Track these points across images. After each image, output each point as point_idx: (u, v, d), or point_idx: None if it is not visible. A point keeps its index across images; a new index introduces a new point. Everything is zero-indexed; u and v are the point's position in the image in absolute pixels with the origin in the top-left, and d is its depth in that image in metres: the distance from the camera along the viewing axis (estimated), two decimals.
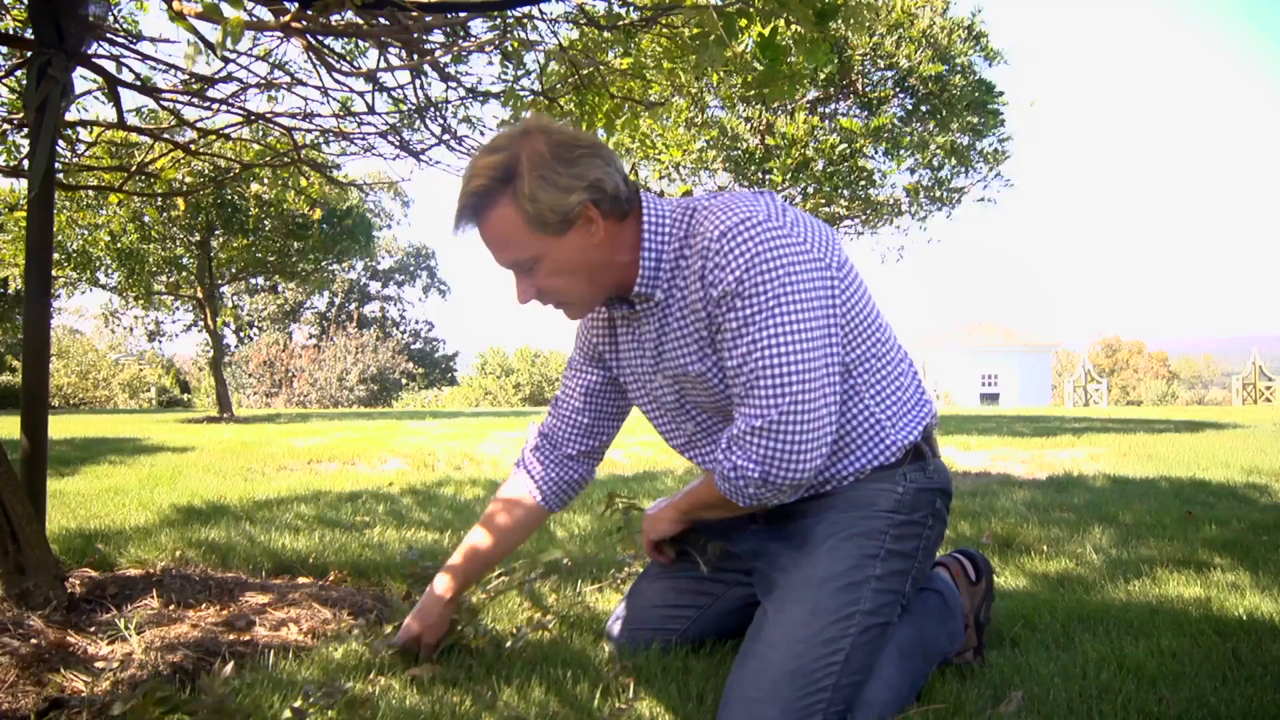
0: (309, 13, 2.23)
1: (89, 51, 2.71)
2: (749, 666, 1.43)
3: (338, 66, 3.11)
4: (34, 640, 1.77)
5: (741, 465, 1.47)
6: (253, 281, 24.65)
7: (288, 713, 1.36)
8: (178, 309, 26.24)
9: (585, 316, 1.69)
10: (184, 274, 14.11)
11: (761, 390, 1.42)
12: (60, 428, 9.64)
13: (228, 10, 2.00)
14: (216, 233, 13.07)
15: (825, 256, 1.48)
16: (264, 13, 2.65)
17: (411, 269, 41.37)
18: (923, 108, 10.57)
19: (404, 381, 31.00)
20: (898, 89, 10.67)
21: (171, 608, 2.06)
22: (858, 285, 1.56)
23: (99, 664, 1.68)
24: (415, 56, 3.04)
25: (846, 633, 1.44)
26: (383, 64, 3.13)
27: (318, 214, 12.96)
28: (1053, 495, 4.05)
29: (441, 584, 1.73)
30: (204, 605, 2.09)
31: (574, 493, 1.83)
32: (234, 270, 15.05)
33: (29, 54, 2.46)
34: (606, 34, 3.23)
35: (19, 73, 3.29)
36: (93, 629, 1.87)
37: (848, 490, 1.58)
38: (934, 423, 1.66)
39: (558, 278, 1.50)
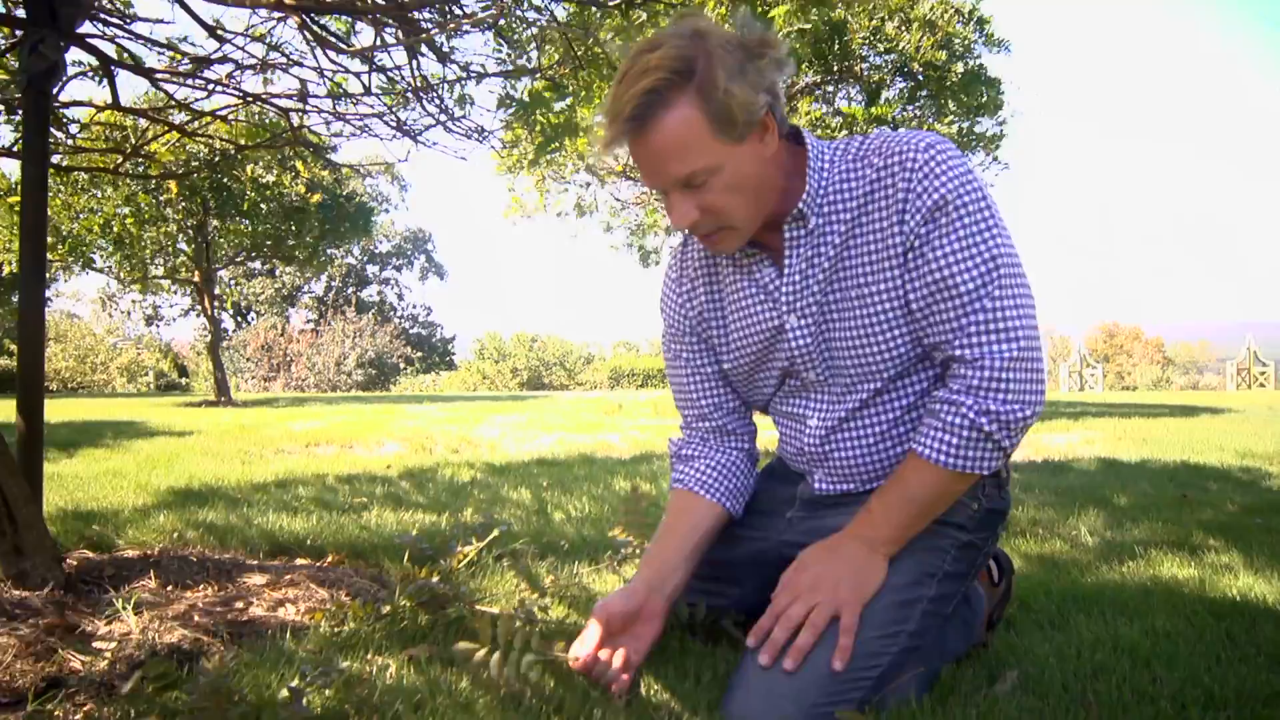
0: None
1: (82, 31, 2.69)
2: (782, 660, 1.36)
3: (334, 44, 3.08)
4: (32, 620, 1.76)
5: (1007, 409, 1.32)
6: (250, 265, 24.54)
7: (285, 691, 1.35)
8: (175, 293, 26.17)
9: (733, 251, 1.47)
10: (181, 258, 14.06)
11: (1008, 312, 1.32)
12: (58, 411, 9.63)
13: None
14: (213, 215, 13.01)
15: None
16: None
17: (409, 252, 41.27)
18: (921, 92, 10.52)
19: (402, 366, 30.99)
20: (897, 74, 10.61)
21: (169, 588, 2.05)
22: None
23: (97, 643, 1.68)
24: (411, 35, 3.01)
25: (889, 649, 1.38)
26: (378, 44, 3.11)
27: (316, 198, 12.91)
28: (1048, 478, 4.06)
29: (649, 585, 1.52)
30: (202, 586, 2.09)
31: (743, 477, 1.65)
32: (231, 254, 15.00)
33: (21, 34, 2.44)
34: (601, 10, 3.20)
35: (11, 54, 3.25)
36: (90, 609, 1.87)
37: None
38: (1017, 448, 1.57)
39: (731, 194, 1.35)
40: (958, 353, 1.36)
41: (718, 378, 1.67)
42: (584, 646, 1.45)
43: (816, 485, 1.62)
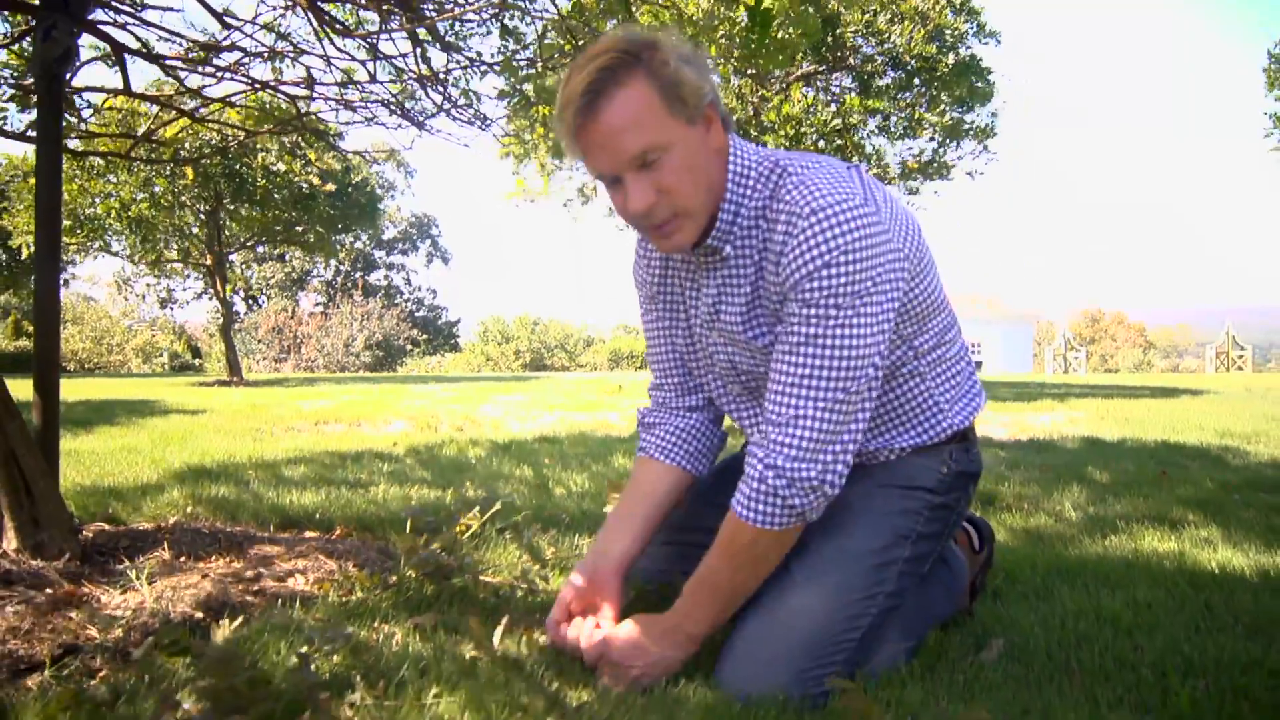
0: None
1: (94, 18, 2.66)
2: (768, 626, 1.38)
3: (340, 30, 3.05)
4: (48, 589, 1.76)
5: (791, 467, 1.30)
6: (261, 250, 24.46)
7: (294, 658, 1.35)
8: (189, 277, 26.09)
9: (687, 246, 1.40)
10: (194, 242, 14.01)
11: (818, 381, 1.29)
12: (75, 390, 9.62)
13: None
14: (226, 202, 12.95)
15: (904, 247, 1.36)
16: None
17: (414, 238, 41.14)
18: (915, 80, 10.45)
19: (408, 348, 30.97)
20: (889, 65, 10.54)
21: (182, 559, 2.05)
22: (930, 271, 1.45)
23: (112, 612, 1.68)
24: (415, 23, 2.97)
25: (868, 611, 1.40)
26: (384, 32, 3.07)
27: (329, 187, 12.84)
28: (1033, 456, 4.06)
29: (611, 560, 1.54)
30: (214, 557, 2.08)
31: (704, 440, 1.63)
32: (243, 239, 14.94)
33: (34, 20, 2.41)
34: (602, 4, 3.17)
35: (25, 40, 3.22)
36: (105, 579, 1.86)
37: (894, 463, 1.52)
38: (979, 412, 1.58)
39: (684, 175, 1.31)
40: (766, 411, 1.35)
41: (678, 337, 1.63)
42: (548, 630, 1.50)
43: None
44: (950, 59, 10.31)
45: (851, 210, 1.28)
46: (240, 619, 1.65)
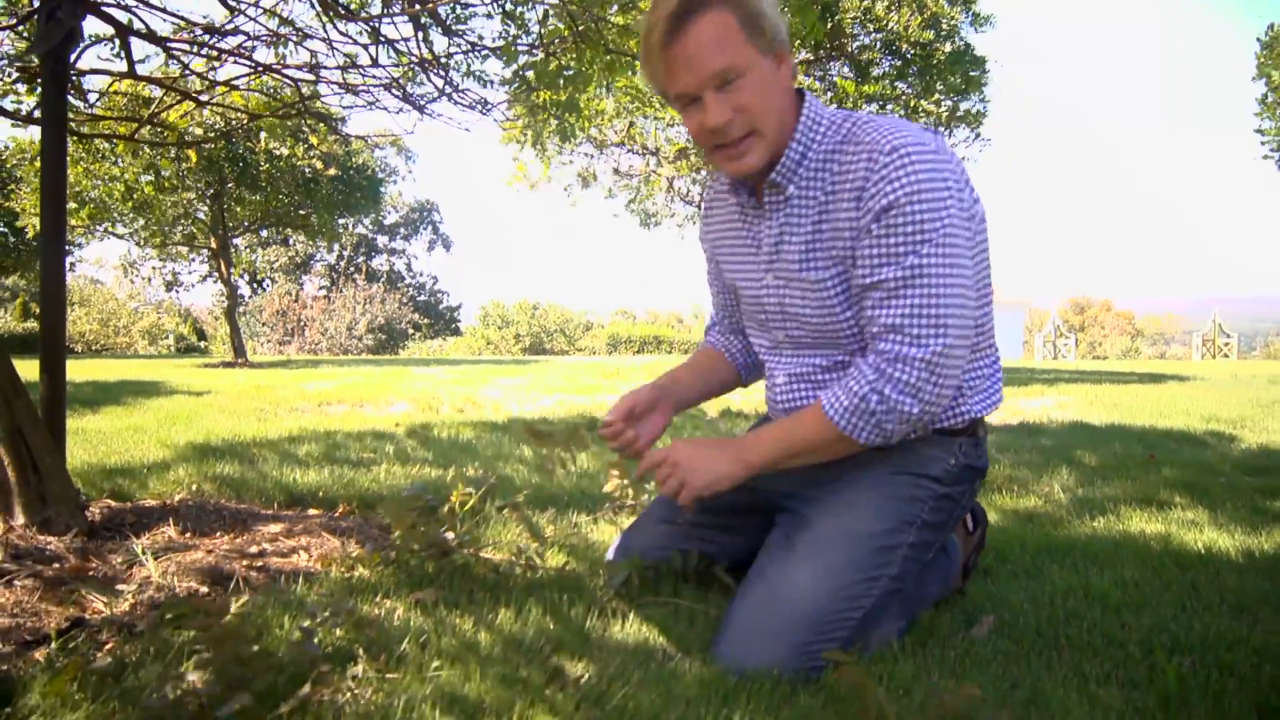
0: None
1: (99, 0, 2.62)
2: (771, 600, 1.38)
3: (342, 12, 3.02)
4: (56, 564, 1.76)
5: (896, 398, 1.36)
6: (265, 234, 24.34)
7: (297, 631, 1.35)
8: (194, 260, 25.98)
9: (756, 168, 1.44)
10: (199, 226, 13.93)
11: (927, 318, 1.33)
12: (82, 371, 9.60)
13: None
14: (229, 186, 12.87)
15: (971, 209, 1.41)
16: None
17: (416, 223, 40.96)
18: (910, 69, 10.38)
19: (410, 331, 30.91)
20: (885, 52, 10.47)
21: (187, 536, 2.05)
22: (985, 257, 1.48)
23: (118, 586, 1.67)
24: (418, 5, 2.94)
25: (870, 592, 1.40)
26: (386, 15, 3.04)
27: (333, 171, 12.77)
28: (1023, 439, 4.06)
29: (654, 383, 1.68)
30: (219, 534, 2.08)
31: (754, 356, 1.77)
32: (247, 223, 14.86)
33: (38, 2, 2.38)
34: None
35: (29, 22, 3.18)
36: (112, 555, 1.86)
37: (907, 448, 1.50)
38: (996, 407, 1.59)
39: (759, 97, 1.36)
40: (874, 343, 1.39)
41: (731, 297, 1.76)
42: (612, 424, 1.60)
43: None
44: (947, 47, 10.24)
45: (930, 154, 1.35)
46: (245, 594, 1.65)
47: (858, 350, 1.49)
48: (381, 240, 40.56)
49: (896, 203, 1.33)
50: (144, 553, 1.83)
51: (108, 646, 1.40)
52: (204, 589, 1.69)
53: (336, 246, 36.65)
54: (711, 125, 1.37)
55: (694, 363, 1.81)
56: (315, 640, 1.30)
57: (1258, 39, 12.97)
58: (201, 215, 13.53)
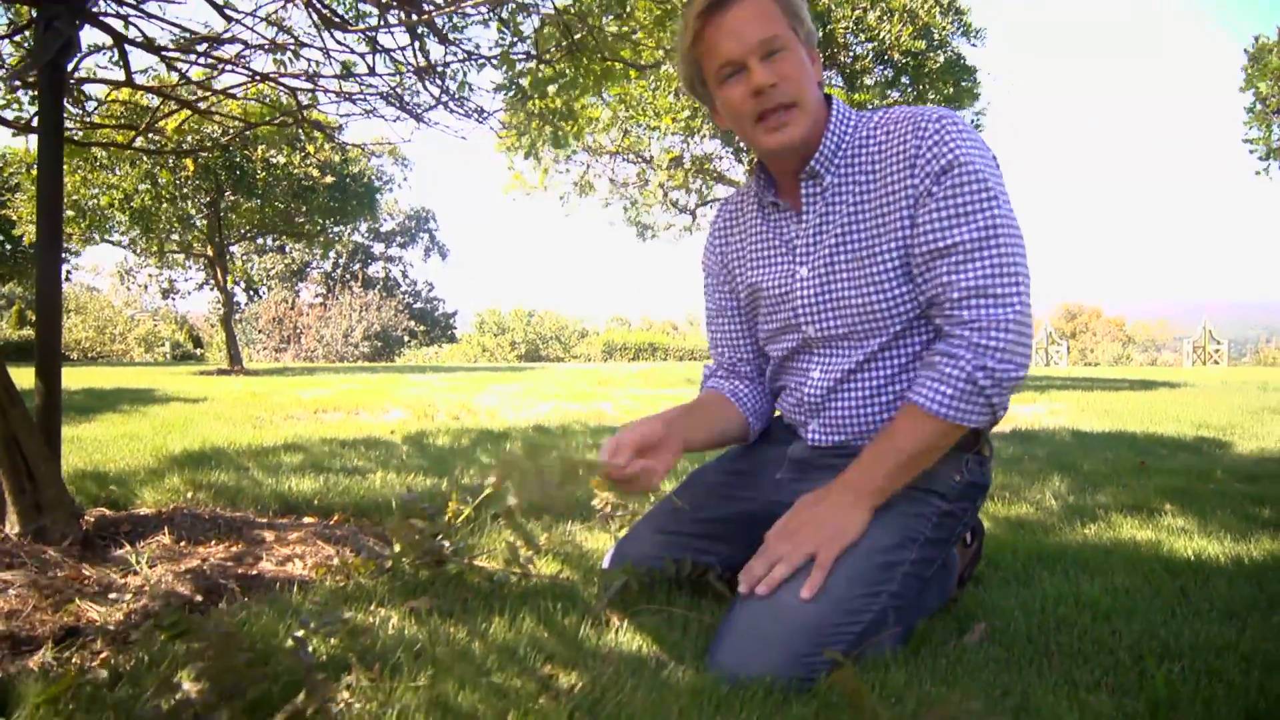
0: None
1: (96, 10, 2.63)
2: (770, 609, 1.37)
3: (339, 24, 3.02)
4: (50, 573, 1.75)
5: (1001, 368, 1.34)
6: (261, 241, 24.33)
7: (291, 640, 1.34)
8: (190, 268, 25.98)
9: (796, 142, 1.46)
10: (195, 234, 13.92)
11: (1007, 276, 1.34)
12: (78, 379, 9.57)
13: None
14: (226, 194, 12.87)
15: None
16: None
17: (412, 231, 40.98)
18: (902, 78, 10.43)
19: (406, 338, 30.90)
20: (877, 62, 10.52)
21: (182, 544, 2.04)
22: None
23: (113, 595, 1.67)
24: (414, 17, 2.95)
25: (870, 607, 1.38)
26: (382, 25, 3.05)
27: (328, 179, 12.78)
28: (1016, 447, 4.07)
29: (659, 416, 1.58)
30: (213, 542, 2.08)
31: (764, 405, 1.71)
32: (244, 231, 14.85)
33: (35, 12, 2.38)
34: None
35: (27, 30, 3.18)
36: (106, 563, 1.86)
37: None
38: (1001, 417, 1.58)
39: (801, 73, 1.43)
40: (956, 312, 1.39)
41: (739, 324, 1.74)
42: (619, 458, 1.46)
43: (810, 436, 1.63)
44: (940, 57, 10.30)
45: (964, 121, 1.41)
46: (239, 602, 1.65)
47: (902, 332, 1.49)
48: (378, 247, 40.57)
49: (956, 161, 1.36)
50: (139, 561, 1.82)
51: (102, 655, 1.39)
52: (199, 597, 1.69)
53: (332, 254, 36.62)
54: (757, 84, 1.40)
55: (700, 404, 1.72)
56: (309, 649, 1.30)
57: (1245, 50, 13.07)
58: (198, 223, 13.52)
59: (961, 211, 1.37)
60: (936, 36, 10.38)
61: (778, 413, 1.80)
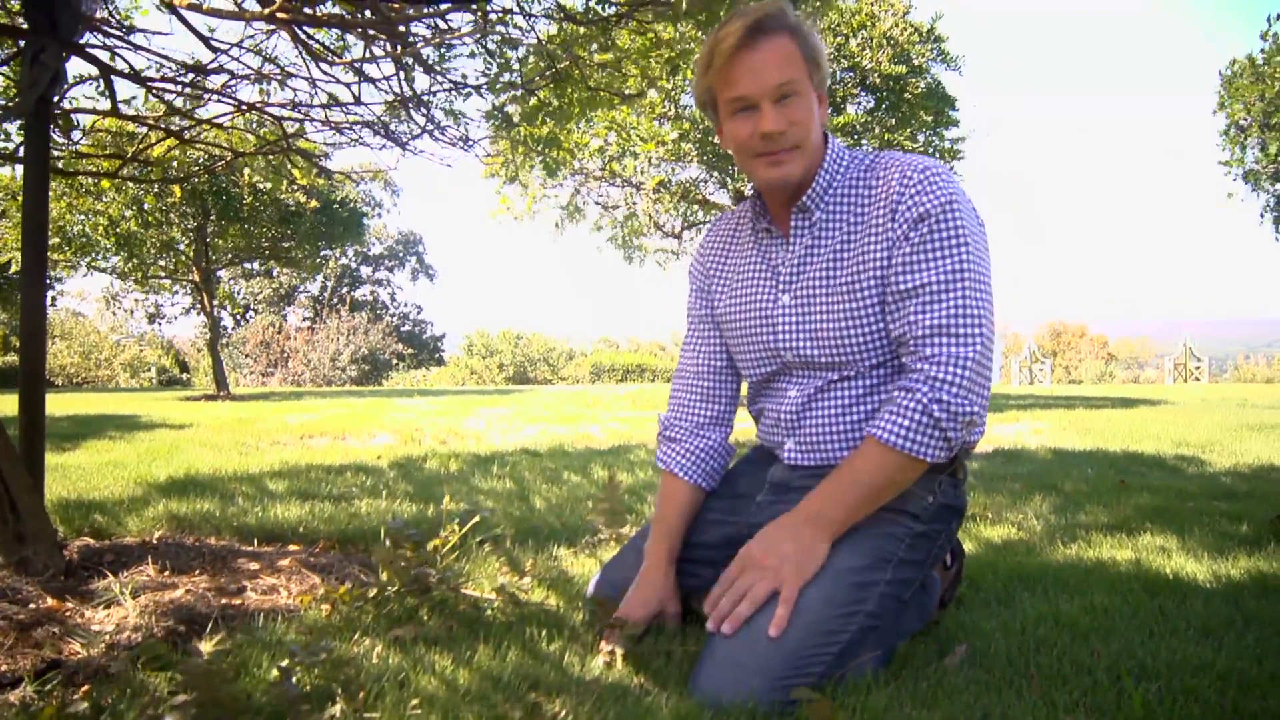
0: (293, 2, 2.18)
1: (82, 41, 2.64)
2: (748, 634, 1.38)
3: (325, 57, 3.05)
4: (32, 605, 1.74)
5: (957, 401, 1.40)
6: (248, 266, 24.26)
7: (275, 672, 1.34)
8: (177, 292, 25.83)
9: (792, 180, 1.54)
10: (181, 259, 13.87)
11: (970, 317, 1.42)
12: (62, 405, 9.49)
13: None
14: (213, 219, 12.84)
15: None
16: (252, 3, 2.59)
17: (400, 254, 40.93)
18: (883, 105, 10.56)
19: (394, 362, 30.77)
20: (859, 88, 10.64)
21: (166, 574, 2.03)
22: None
23: (95, 627, 1.66)
24: (400, 49, 2.98)
25: (847, 628, 1.40)
26: (368, 55, 3.08)
27: (313, 204, 12.77)
28: (1000, 466, 4.10)
29: (658, 562, 1.67)
30: (197, 571, 2.06)
31: (717, 459, 1.76)
32: (230, 255, 14.81)
33: (22, 43, 2.39)
34: (584, 29, 3.19)
35: (13, 62, 3.19)
36: (89, 594, 1.84)
37: None
38: (977, 440, 1.61)
39: (808, 116, 1.50)
40: (919, 348, 1.44)
41: (714, 337, 1.78)
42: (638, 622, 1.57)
43: (788, 456, 1.67)
44: (921, 84, 10.43)
45: (947, 172, 1.50)
46: (223, 633, 1.64)
47: (871, 367, 1.55)
48: (365, 271, 40.47)
49: (931, 211, 1.44)
50: (122, 592, 1.81)
51: (84, 689, 1.38)
52: (182, 629, 1.68)
53: (320, 278, 36.53)
54: (766, 130, 1.48)
55: (663, 516, 1.74)
56: (293, 680, 1.30)
57: (1219, 72, 13.31)
58: (184, 248, 13.47)
59: (932, 255, 1.45)
60: (916, 62, 10.52)
61: (757, 441, 1.83)
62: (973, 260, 1.44)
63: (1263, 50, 12.09)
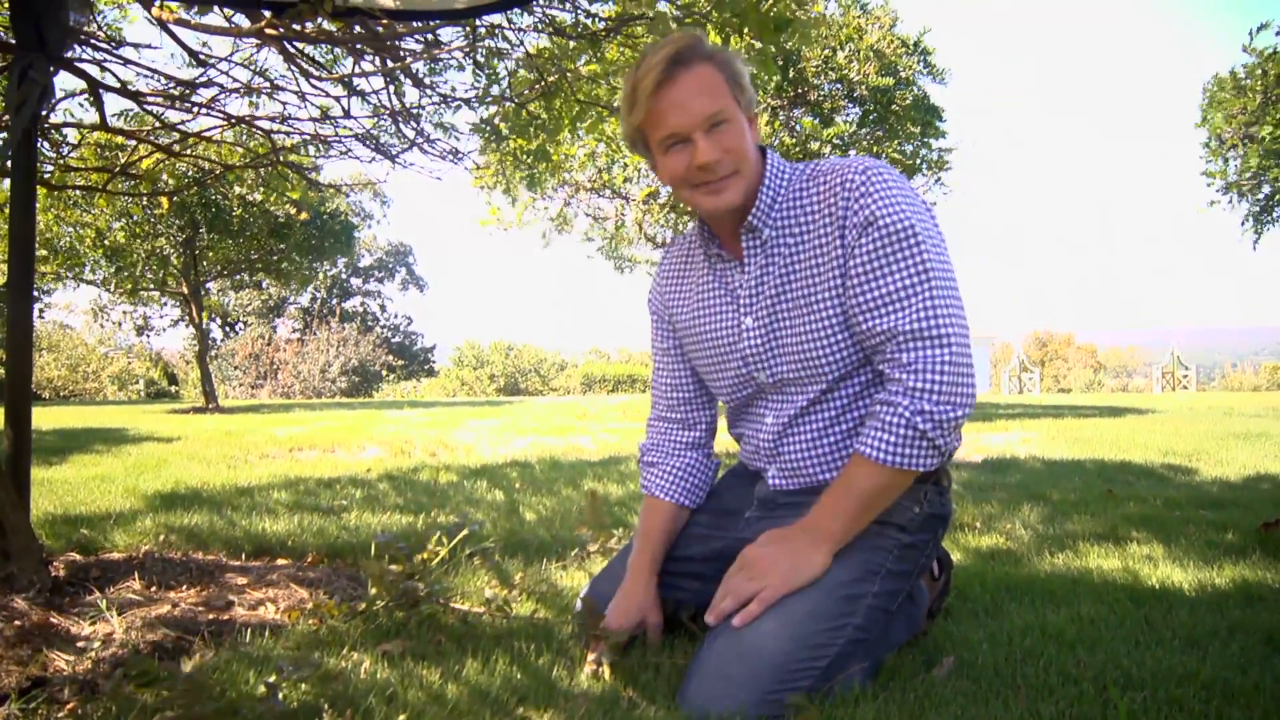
0: (283, 18, 2.18)
1: (71, 56, 2.64)
2: (736, 648, 1.39)
3: (314, 73, 3.06)
4: (17, 621, 1.72)
5: (941, 409, 1.38)
6: (238, 278, 24.22)
7: (262, 687, 1.34)
8: (165, 304, 25.74)
9: (734, 205, 1.51)
10: (170, 270, 13.82)
11: (942, 315, 1.39)
12: (49, 418, 9.43)
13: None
14: (202, 231, 12.81)
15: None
16: (242, 19, 2.59)
17: (390, 266, 40.90)
18: (870, 116, 10.63)
19: (384, 373, 30.68)
20: (847, 100, 10.71)
21: (153, 589, 2.02)
22: None
23: (81, 643, 1.65)
24: (389, 63, 2.99)
25: (835, 641, 1.40)
26: (357, 70, 3.09)
27: (304, 216, 12.75)
28: (989, 476, 4.11)
29: (639, 572, 1.67)
30: (184, 586, 2.05)
31: (698, 476, 1.76)
32: (220, 268, 14.78)
33: (10, 58, 2.39)
34: (573, 43, 3.21)
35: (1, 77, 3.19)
36: (76, 610, 1.83)
37: None
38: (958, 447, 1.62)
39: (741, 141, 1.47)
40: (894, 357, 1.42)
41: (682, 366, 1.78)
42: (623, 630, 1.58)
43: (771, 481, 1.67)
44: (909, 95, 10.51)
45: (895, 172, 1.47)
46: (210, 649, 1.63)
47: (843, 376, 1.53)
48: (355, 282, 40.41)
49: (877, 214, 1.41)
50: (108, 608, 1.80)
51: (69, 706, 1.37)
52: (169, 644, 1.67)
53: (310, 289, 36.43)
54: (702, 162, 1.45)
55: (645, 533, 1.73)
56: (280, 695, 1.29)
57: (1203, 88, 13.45)
58: (173, 260, 13.43)
59: (888, 262, 1.41)
60: (902, 74, 10.60)
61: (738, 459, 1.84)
62: (929, 256, 1.41)
63: (1244, 65, 12.23)
